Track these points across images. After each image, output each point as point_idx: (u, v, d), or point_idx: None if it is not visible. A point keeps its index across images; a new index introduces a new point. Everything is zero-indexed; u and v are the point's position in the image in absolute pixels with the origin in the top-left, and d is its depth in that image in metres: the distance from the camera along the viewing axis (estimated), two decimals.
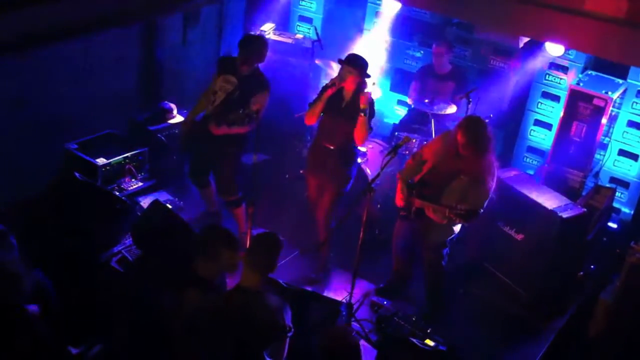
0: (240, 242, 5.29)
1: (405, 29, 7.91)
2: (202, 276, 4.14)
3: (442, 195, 5.15)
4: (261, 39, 5.93)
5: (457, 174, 5.13)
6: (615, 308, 5.44)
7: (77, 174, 5.38)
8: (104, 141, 6.28)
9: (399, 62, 8.05)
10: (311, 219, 5.98)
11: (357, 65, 5.41)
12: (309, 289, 5.45)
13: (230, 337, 3.90)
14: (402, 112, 7.93)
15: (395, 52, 8.03)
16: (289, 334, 4.00)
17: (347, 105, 5.48)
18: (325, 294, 5.54)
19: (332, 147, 5.58)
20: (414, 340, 4.50)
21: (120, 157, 6.12)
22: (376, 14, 7.98)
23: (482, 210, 5.02)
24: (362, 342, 5.17)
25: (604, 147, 6.88)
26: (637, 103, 6.77)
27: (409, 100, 7.30)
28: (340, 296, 5.50)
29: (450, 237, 5.40)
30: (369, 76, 5.51)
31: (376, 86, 7.79)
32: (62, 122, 6.19)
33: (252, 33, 5.97)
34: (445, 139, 5.34)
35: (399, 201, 5.35)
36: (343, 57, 5.51)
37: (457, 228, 5.36)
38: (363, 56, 5.52)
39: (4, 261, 3.86)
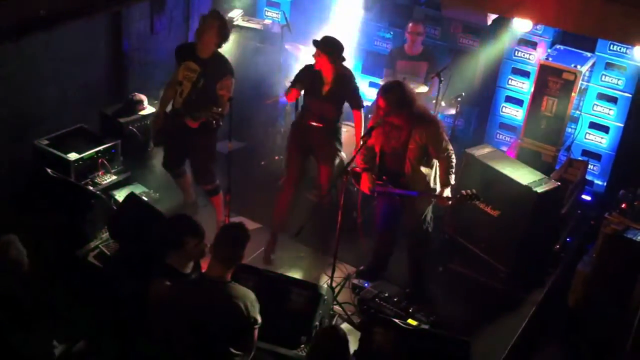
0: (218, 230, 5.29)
1: (375, 10, 7.87)
2: (174, 266, 4.15)
3: (404, 170, 5.17)
4: (221, 19, 5.65)
5: (405, 144, 5.15)
6: (592, 278, 5.54)
7: (48, 170, 5.30)
8: (75, 136, 6.19)
9: (370, 44, 8.01)
10: (281, 202, 5.94)
11: (325, 48, 5.36)
12: (289, 274, 5.44)
13: (191, 327, 3.86)
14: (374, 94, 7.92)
15: (365, 34, 8.00)
16: (256, 326, 3.97)
17: (330, 89, 5.49)
18: (306, 278, 5.54)
19: (320, 125, 5.62)
20: (397, 320, 4.53)
21: (92, 151, 6.04)
22: None
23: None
24: (345, 325, 5.22)
25: (575, 120, 6.94)
26: (605, 76, 6.85)
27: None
28: (321, 280, 5.51)
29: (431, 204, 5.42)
30: (343, 59, 5.46)
31: None
32: (30, 119, 6.09)
33: (205, 14, 5.73)
34: (375, 120, 5.30)
35: (367, 191, 5.36)
36: (318, 39, 5.44)
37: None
38: (335, 38, 5.45)
39: None
